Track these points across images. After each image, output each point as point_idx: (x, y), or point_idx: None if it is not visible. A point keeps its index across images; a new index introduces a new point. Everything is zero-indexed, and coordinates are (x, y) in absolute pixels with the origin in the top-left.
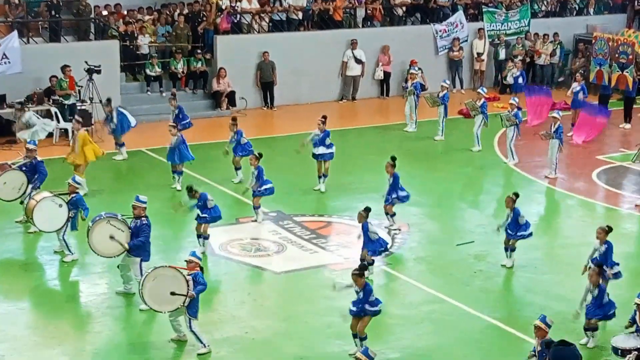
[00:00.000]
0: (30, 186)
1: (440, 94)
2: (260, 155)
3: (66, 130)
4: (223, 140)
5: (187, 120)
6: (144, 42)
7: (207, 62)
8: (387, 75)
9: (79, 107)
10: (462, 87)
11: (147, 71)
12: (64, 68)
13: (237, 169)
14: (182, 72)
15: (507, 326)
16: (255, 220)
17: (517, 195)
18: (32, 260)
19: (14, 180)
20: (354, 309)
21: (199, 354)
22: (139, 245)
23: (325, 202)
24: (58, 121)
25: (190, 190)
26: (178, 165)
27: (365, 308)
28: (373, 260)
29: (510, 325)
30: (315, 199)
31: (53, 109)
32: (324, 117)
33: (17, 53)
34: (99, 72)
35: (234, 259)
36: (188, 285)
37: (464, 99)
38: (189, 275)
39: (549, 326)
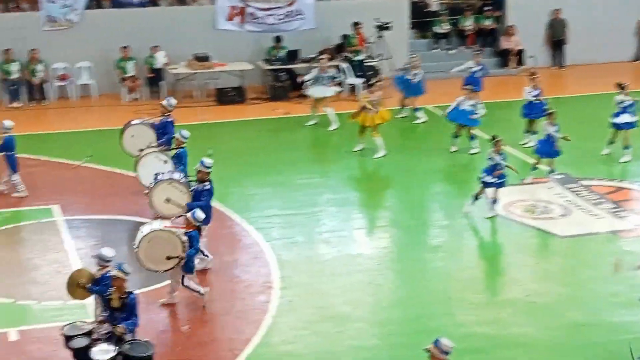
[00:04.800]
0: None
1: None
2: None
3: (354, 87)
4: (510, 99)
5: (478, 83)
6: (434, 0)
7: (496, 20)
8: None
9: (366, 64)
10: None
11: (436, 28)
12: (355, 25)
13: (527, 131)
14: (472, 29)
15: None
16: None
17: None
18: None
19: (142, 135)
20: None
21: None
22: (197, 207)
23: (617, 167)
24: (347, 77)
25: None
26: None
27: None
28: None
29: None
30: (604, 163)
31: (343, 65)
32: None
33: (311, 9)
34: (389, 29)
35: (516, 220)
36: (184, 247)
37: None
38: (185, 234)
39: (446, 353)
